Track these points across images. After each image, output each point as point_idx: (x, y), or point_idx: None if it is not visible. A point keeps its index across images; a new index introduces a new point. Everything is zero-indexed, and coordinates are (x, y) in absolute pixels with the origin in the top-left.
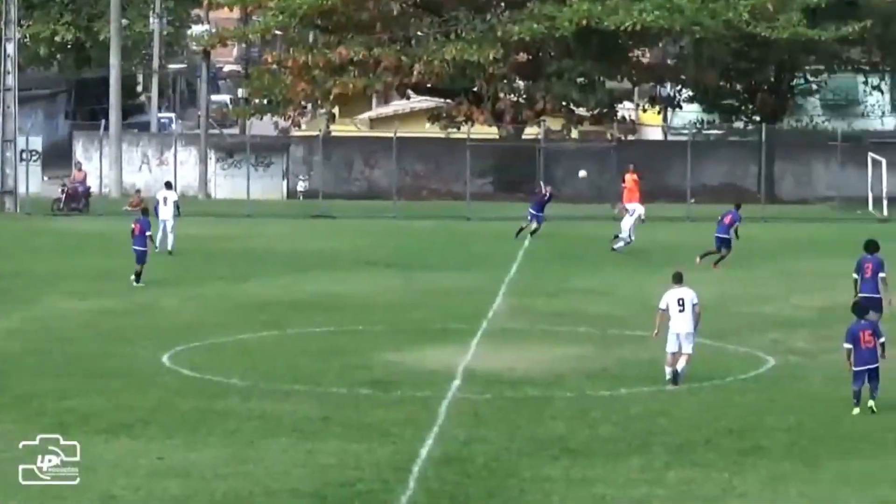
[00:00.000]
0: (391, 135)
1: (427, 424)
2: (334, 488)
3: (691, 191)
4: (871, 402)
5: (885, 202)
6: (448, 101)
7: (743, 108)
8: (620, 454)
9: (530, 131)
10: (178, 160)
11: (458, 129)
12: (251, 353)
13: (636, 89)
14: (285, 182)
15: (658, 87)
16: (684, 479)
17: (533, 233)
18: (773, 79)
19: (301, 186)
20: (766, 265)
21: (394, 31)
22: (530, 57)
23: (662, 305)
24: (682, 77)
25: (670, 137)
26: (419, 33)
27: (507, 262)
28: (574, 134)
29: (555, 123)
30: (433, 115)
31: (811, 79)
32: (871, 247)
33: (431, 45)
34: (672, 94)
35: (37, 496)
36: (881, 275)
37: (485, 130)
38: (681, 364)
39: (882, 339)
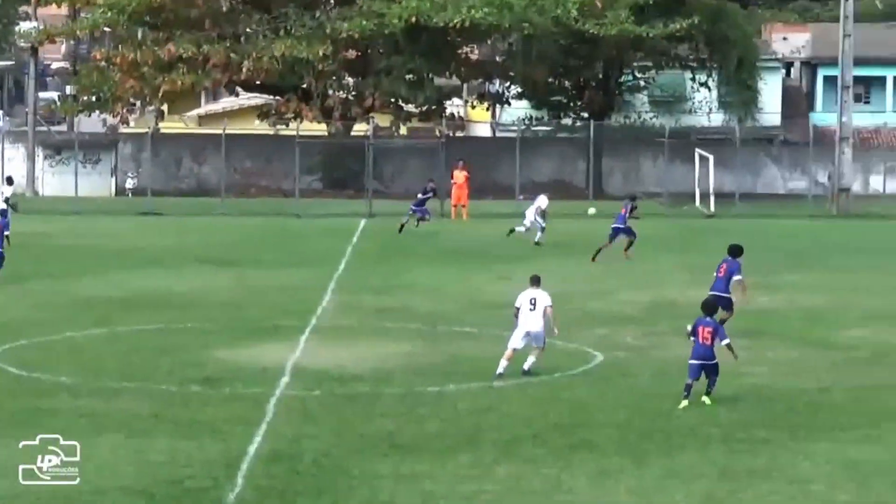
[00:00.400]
0: (220, 132)
1: (256, 421)
2: (163, 486)
3: (520, 187)
4: (704, 398)
5: (711, 198)
6: (277, 97)
7: (571, 104)
8: (449, 450)
9: (359, 128)
10: (6, 157)
11: (287, 125)
12: (80, 350)
13: (465, 86)
14: (114, 179)
15: (487, 83)
16: (513, 474)
17: (418, 224)
18: (601, 75)
19: (130, 184)
20: (588, 262)
21: (223, 28)
22: (359, 54)
23: (517, 304)
24: (511, 74)
25: (499, 134)
26: (248, 30)
27: (336, 259)
28: (403, 130)
29: (384, 120)
30: (262, 112)
31: (639, 75)
32: (732, 251)
33: (261, 42)
34: (501, 90)
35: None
36: (736, 277)
37: (314, 127)
38: (531, 360)
39: (727, 341)
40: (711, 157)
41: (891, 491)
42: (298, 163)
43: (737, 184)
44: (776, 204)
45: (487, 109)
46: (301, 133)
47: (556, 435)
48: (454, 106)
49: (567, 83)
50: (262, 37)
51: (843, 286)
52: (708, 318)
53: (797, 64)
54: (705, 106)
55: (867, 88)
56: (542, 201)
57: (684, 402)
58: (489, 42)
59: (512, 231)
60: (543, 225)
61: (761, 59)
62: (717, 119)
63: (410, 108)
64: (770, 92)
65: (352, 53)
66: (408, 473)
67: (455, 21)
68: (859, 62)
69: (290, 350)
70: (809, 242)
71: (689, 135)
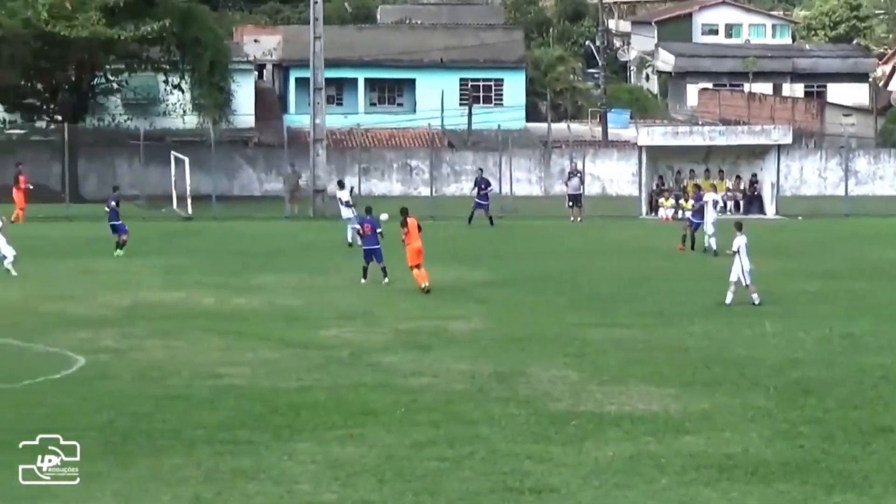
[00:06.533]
0: None
1: None
2: None
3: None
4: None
5: (188, 200)
6: None
7: (45, 107)
8: None
9: None
10: None
11: None
12: None
13: None
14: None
15: None
16: None
17: None
18: (73, 78)
19: None
20: (70, 264)
21: None
22: None
23: None
24: None
25: None
26: None
27: None
28: None
29: None
30: None
31: (112, 78)
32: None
33: None
34: None
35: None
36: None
37: None
38: None
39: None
40: (187, 160)
41: (375, 488)
42: None
43: (213, 186)
44: (253, 205)
45: None
46: None
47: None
48: None
49: (40, 86)
50: None
51: (320, 286)
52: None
53: (269, 66)
54: (179, 108)
55: (339, 90)
56: None
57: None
58: None
59: None
60: None
61: (233, 62)
62: (192, 121)
63: None
64: (243, 94)
65: None
66: None
67: None
68: (331, 64)
69: None
70: (286, 243)
71: (165, 137)
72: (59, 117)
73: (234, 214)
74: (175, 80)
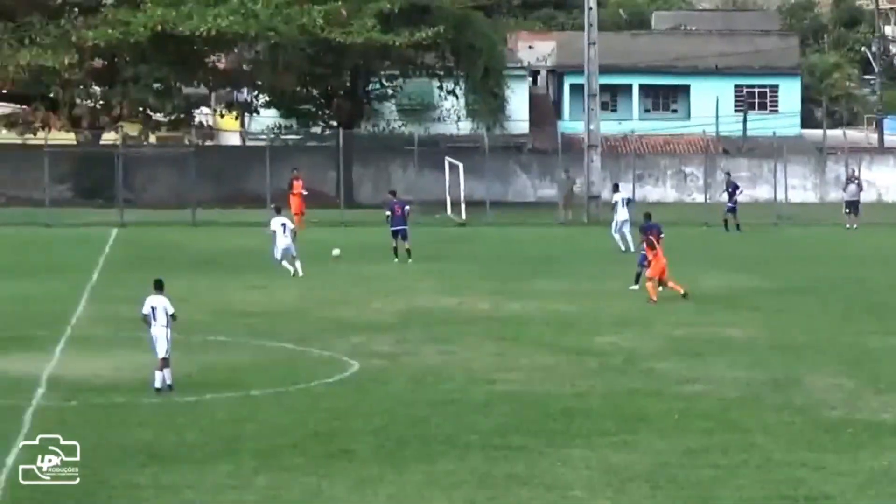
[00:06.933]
0: None
1: (13, 433)
2: None
3: (271, 196)
4: None
5: (463, 206)
6: (24, 106)
7: (320, 113)
8: (209, 460)
9: (108, 137)
10: None
11: (35, 134)
12: None
13: (213, 95)
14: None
15: (235, 92)
16: (273, 483)
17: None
18: (348, 84)
19: None
20: (346, 269)
21: None
22: (106, 62)
23: (145, 311)
24: (259, 82)
25: (249, 143)
26: None
27: (88, 269)
28: (152, 139)
29: (133, 129)
30: (9, 122)
31: (386, 84)
32: None
33: (5, 51)
34: (249, 99)
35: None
36: None
37: (63, 136)
38: (165, 373)
39: None
40: (461, 165)
41: (648, 495)
42: (48, 172)
43: (487, 191)
44: (527, 211)
45: (236, 118)
46: (50, 142)
47: (314, 444)
48: (203, 115)
49: (315, 92)
50: (6, 45)
51: (594, 293)
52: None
53: (543, 72)
54: (454, 114)
55: (614, 96)
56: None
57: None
58: (236, 51)
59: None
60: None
61: (508, 68)
62: (466, 127)
63: (159, 117)
64: (517, 100)
65: (98, 62)
66: (168, 483)
67: (201, 30)
68: (605, 70)
69: (45, 360)
70: (560, 250)
71: (439, 143)
72: (335, 123)
73: (508, 220)
74: (449, 85)
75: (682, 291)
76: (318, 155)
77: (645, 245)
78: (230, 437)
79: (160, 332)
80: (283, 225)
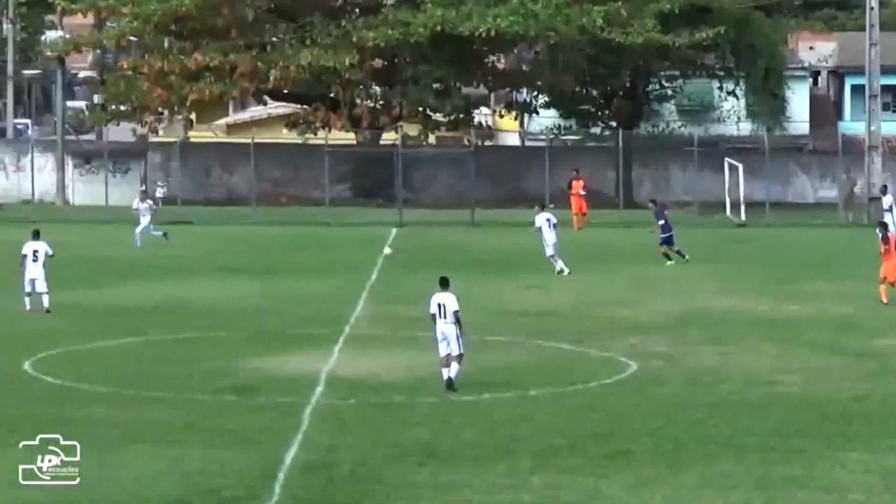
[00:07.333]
0: (248, 141)
1: (292, 430)
2: (200, 495)
3: (550, 196)
4: None
5: (742, 207)
6: (305, 107)
7: (599, 113)
8: (485, 459)
9: (388, 137)
10: (35, 166)
11: (316, 134)
12: (113, 359)
13: (492, 95)
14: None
15: (514, 92)
16: (550, 483)
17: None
18: (628, 84)
19: (159, 192)
20: (624, 270)
21: (249, 37)
22: (386, 63)
23: (431, 310)
24: (538, 83)
25: (528, 143)
26: (274, 39)
27: (367, 268)
28: (431, 139)
29: (412, 129)
30: (290, 122)
31: (666, 84)
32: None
33: (287, 51)
34: (528, 99)
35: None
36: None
37: (342, 136)
38: (454, 369)
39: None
40: (741, 166)
41: None
42: (328, 171)
43: (766, 192)
44: (806, 213)
45: (515, 118)
46: (329, 142)
47: (591, 444)
48: (482, 115)
49: (594, 92)
50: (288, 45)
51: (873, 295)
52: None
53: (824, 73)
54: (733, 115)
55: None
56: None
57: None
58: (515, 51)
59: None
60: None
61: (788, 68)
62: (746, 128)
63: (438, 116)
64: (798, 101)
65: (378, 62)
66: (445, 482)
67: (481, 30)
68: (887, 70)
69: (324, 359)
70: (839, 251)
71: (718, 144)
72: (614, 123)
73: (788, 221)
74: (729, 86)
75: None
76: (598, 155)
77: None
78: (507, 436)
79: (449, 330)
80: (548, 220)
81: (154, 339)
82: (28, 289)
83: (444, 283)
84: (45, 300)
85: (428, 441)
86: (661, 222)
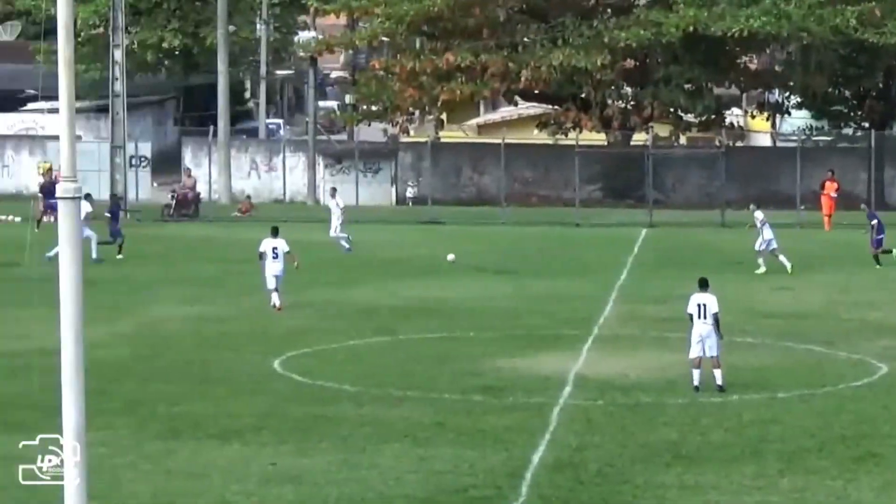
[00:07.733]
0: (499, 141)
1: (540, 431)
2: (447, 494)
3: (801, 197)
4: None
5: None
6: (556, 107)
7: (852, 114)
8: (733, 461)
9: (638, 137)
10: (287, 166)
11: (566, 135)
12: (362, 359)
13: (744, 95)
14: (394, 188)
15: (766, 93)
16: (798, 486)
17: None
18: (881, 85)
19: (410, 192)
20: (873, 272)
21: (500, 38)
22: (637, 63)
23: (689, 310)
24: (790, 83)
25: (779, 144)
26: (526, 39)
27: (617, 268)
28: (682, 140)
29: (663, 130)
30: (541, 122)
31: None
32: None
33: (538, 52)
34: (780, 100)
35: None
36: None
37: (593, 137)
38: (718, 373)
39: None
40: None
41: None
42: (578, 172)
43: None
44: None
45: (767, 119)
46: (580, 142)
47: (840, 447)
48: (733, 115)
49: (847, 93)
50: (539, 46)
51: None
52: None
53: None
54: None
55: None
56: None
57: None
58: (767, 51)
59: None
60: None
61: None
62: None
63: (689, 117)
64: None
65: (630, 63)
66: (692, 484)
67: (733, 30)
68: None
69: (572, 359)
70: None
71: None
72: (866, 124)
73: None
74: None
75: None
76: (850, 156)
77: None
78: (755, 438)
79: (707, 331)
80: (762, 221)
81: (403, 339)
82: (271, 285)
83: (704, 284)
84: (276, 297)
85: (675, 442)
86: (874, 222)
